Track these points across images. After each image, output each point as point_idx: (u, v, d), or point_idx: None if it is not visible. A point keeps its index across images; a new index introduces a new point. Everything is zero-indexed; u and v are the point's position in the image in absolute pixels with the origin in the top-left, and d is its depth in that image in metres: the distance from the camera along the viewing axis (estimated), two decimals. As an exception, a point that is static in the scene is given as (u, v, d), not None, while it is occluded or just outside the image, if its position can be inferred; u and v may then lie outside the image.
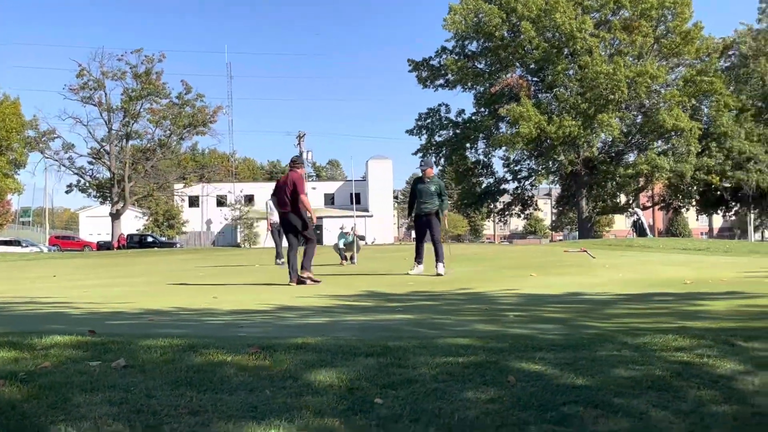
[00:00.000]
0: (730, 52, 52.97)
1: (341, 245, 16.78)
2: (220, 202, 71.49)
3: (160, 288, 11.24)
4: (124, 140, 56.73)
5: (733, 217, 75.03)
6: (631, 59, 46.62)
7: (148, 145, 58.10)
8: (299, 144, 58.13)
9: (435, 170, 12.73)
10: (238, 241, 67.92)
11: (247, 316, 6.60)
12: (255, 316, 6.62)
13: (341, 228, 17.14)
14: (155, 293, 10.09)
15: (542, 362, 3.99)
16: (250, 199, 71.22)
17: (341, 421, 3.11)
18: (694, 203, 55.63)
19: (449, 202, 13.29)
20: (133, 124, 55.99)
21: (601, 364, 3.98)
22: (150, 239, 60.44)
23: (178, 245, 59.89)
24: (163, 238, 64.33)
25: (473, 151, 53.54)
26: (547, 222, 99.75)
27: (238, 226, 68.57)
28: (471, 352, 4.14)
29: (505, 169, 53.78)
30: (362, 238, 18.11)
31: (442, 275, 11.72)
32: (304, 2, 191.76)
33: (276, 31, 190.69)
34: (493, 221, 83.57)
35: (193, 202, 71.37)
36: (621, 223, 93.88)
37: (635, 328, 5.04)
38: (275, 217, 18.66)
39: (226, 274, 12.92)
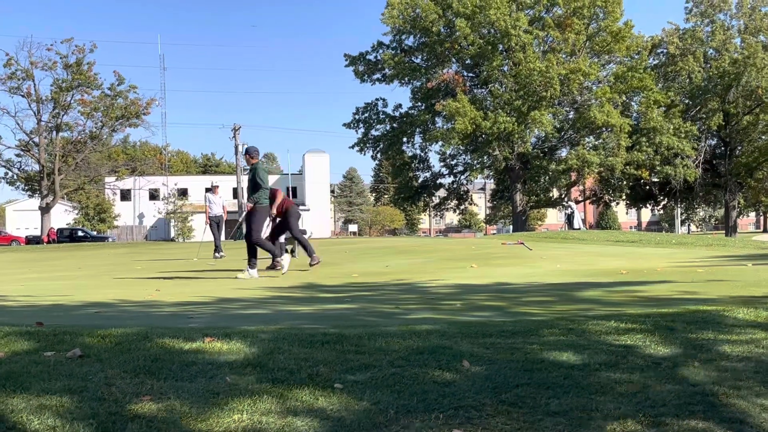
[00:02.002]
0: (658, 50, 54.50)
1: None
2: (153, 195, 70.21)
3: (99, 281, 11.04)
4: (54, 132, 55.14)
5: (661, 211, 77.33)
6: (563, 56, 47.54)
7: (79, 137, 56.58)
8: (234, 137, 57.47)
9: (261, 157, 11.86)
10: (172, 235, 66.87)
11: (194, 308, 6.56)
12: (201, 308, 6.59)
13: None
14: (95, 286, 9.91)
15: (494, 347, 4.11)
16: (183, 193, 70.15)
17: (304, 405, 3.16)
18: (624, 197, 57.08)
19: (262, 194, 11.67)
20: (63, 115, 54.46)
21: (550, 348, 4.13)
22: (81, 233, 58.99)
23: (110, 239, 58.60)
24: (94, 233, 62.87)
25: (410, 145, 53.87)
26: (482, 216, 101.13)
27: (172, 220, 67.51)
28: (424, 338, 4.23)
29: (442, 164, 54.29)
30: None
31: (241, 278, 10.71)
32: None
33: (211, 23, 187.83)
34: (429, 215, 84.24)
35: (125, 195, 69.92)
36: (553, 216, 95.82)
37: (579, 315, 5.21)
38: (214, 211, 18.52)
39: (163, 267, 12.76)
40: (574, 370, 3.77)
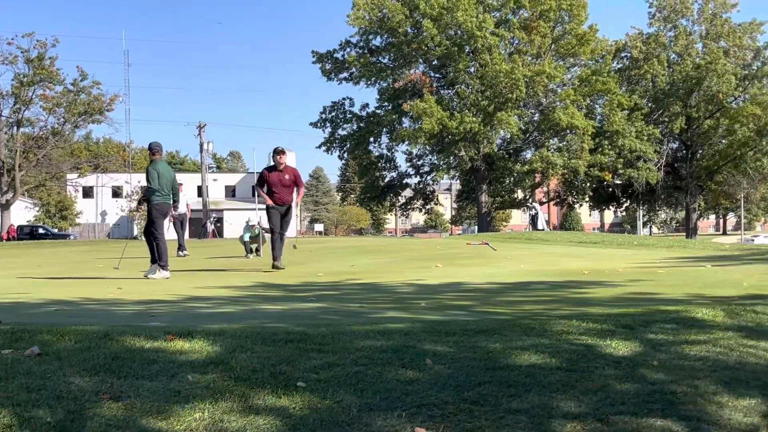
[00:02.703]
0: (622, 54, 55.20)
1: (246, 238, 16.62)
2: (116, 193, 69.32)
3: (60, 279, 10.87)
4: (15, 127, 54.12)
5: (624, 213, 78.32)
6: (529, 58, 47.94)
7: (41, 132, 55.60)
8: (199, 134, 56.97)
9: (164, 154, 11.46)
10: (135, 233, 66.09)
11: (157, 306, 6.50)
12: (165, 306, 6.53)
13: (248, 221, 16.97)
14: (56, 284, 9.77)
15: (457, 346, 4.14)
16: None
17: (265, 403, 3.15)
18: (587, 199, 57.75)
19: (149, 192, 11.01)
20: (24, 110, 53.43)
21: (513, 347, 4.16)
22: (42, 231, 58.02)
23: (72, 237, 57.73)
24: (55, 230, 61.88)
25: (377, 145, 53.91)
26: (447, 216, 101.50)
27: (135, 218, 66.72)
28: (388, 337, 4.24)
29: (408, 164, 54.40)
30: (268, 231, 17.96)
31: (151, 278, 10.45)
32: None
33: (177, 19, 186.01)
34: (396, 215, 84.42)
35: (88, 192, 68.93)
36: (518, 217, 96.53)
37: (541, 314, 5.26)
38: (177, 209, 18.34)
39: (126, 266, 12.60)
40: (535, 369, 3.81)
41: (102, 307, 6.62)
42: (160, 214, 11.03)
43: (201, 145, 56.45)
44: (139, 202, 11.55)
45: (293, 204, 12.11)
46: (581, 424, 3.19)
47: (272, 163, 12.03)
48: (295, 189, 12.10)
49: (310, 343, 4.02)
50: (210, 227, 41.26)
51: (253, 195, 64.34)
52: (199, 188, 59.06)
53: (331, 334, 4.21)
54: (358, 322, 4.83)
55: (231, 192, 75.19)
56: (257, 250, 16.51)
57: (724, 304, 5.69)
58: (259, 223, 16.94)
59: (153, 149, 11.27)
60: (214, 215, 55.18)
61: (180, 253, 17.40)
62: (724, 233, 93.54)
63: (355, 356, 3.82)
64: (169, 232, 19.17)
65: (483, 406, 3.29)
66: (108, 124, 57.22)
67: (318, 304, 6.69)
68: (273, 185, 11.75)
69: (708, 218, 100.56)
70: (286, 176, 11.81)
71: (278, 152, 11.82)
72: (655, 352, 4.26)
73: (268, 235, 17.93)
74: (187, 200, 18.78)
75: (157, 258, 10.74)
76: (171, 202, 11.18)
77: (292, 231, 69.44)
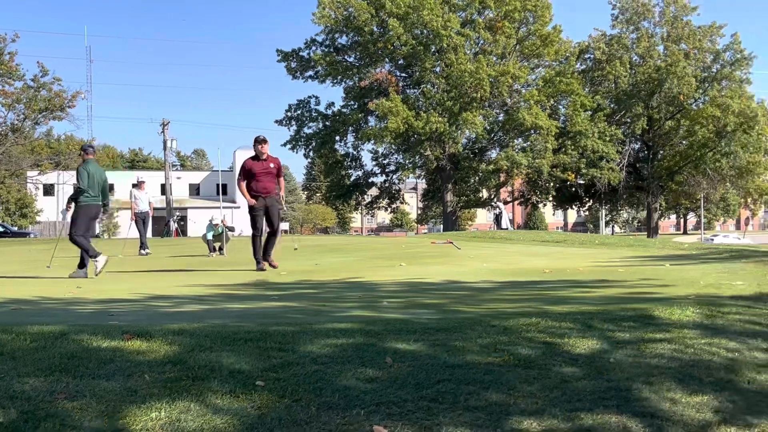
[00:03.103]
0: (585, 56, 55.82)
1: (210, 236, 16.51)
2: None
3: (18, 278, 10.70)
4: (-28, 124, 53.16)
5: (587, 213, 79.22)
6: (494, 59, 48.23)
7: (0, 129, 54.69)
8: (163, 132, 56.41)
9: (92, 155, 11.29)
10: (97, 231, 65.18)
11: (117, 305, 6.43)
12: (126, 305, 6.46)
13: (211, 219, 16.84)
14: (13, 283, 9.61)
15: (417, 344, 4.16)
16: (110, 188, 68.48)
17: (224, 402, 3.14)
18: (550, 198, 58.30)
19: (78, 193, 11.00)
20: (-18, 107, 52.52)
21: (472, 345, 4.19)
22: (1, 229, 57.02)
23: (32, 235, 56.76)
24: (15, 228, 60.81)
25: (342, 143, 53.84)
26: (413, 215, 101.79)
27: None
28: (349, 335, 4.25)
29: (374, 163, 54.42)
30: (231, 229, 17.84)
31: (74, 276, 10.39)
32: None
33: (140, 15, 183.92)
34: (361, 214, 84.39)
35: (48, 190, 67.78)
36: (482, 217, 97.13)
37: (502, 313, 5.30)
38: (140, 207, 18.17)
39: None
40: (494, 367, 3.84)
41: (60, 306, 6.53)
42: (85, 215, 10.92)
43: (165, 143, 55.92)
44: (68, 202, 11.39)
45: (279, 197, 11.62)
46: (538, 420, 3.23)
47: (253, 154, 11.47)
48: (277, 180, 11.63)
49: (270, 341, 4.02)
50: (173, 226, 40.91)
51: (218, 193, 63.92)
52: (163, 186, 58.47)
53: (292, 333, 4.20)
54: (320, 321, 4.83)
55: (195, 190, 74.57)
56: (221, 248, 16.40)
57: (681, 302, 5.78)
58: (222, 222, 16.83)
59: (86, 149, 11.34)
60: (177, 214, 54.69)
61: (142, 251, 17.23)
62: (685, 233, 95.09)
63: (314, 355, 3.83)
64: (131, 230, 19.00)
65: (442, 403, 3.32)
66: (70, 120, 56.37)
67: (281, 302, 6.67)
68: (257, 175, 11.31)
69: (669, 218, 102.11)
70: (270, 164, 11.43)
71: (260, 141, 11.35)
72: (612, 349, 4.32)
73: (231, 233, 17.84)
74: (150, 198, 18.58)
75: (85, 252, 10.70)
76: (100, 203, 11.12)
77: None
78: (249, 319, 4.94)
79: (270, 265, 11.14)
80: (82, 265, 10.79)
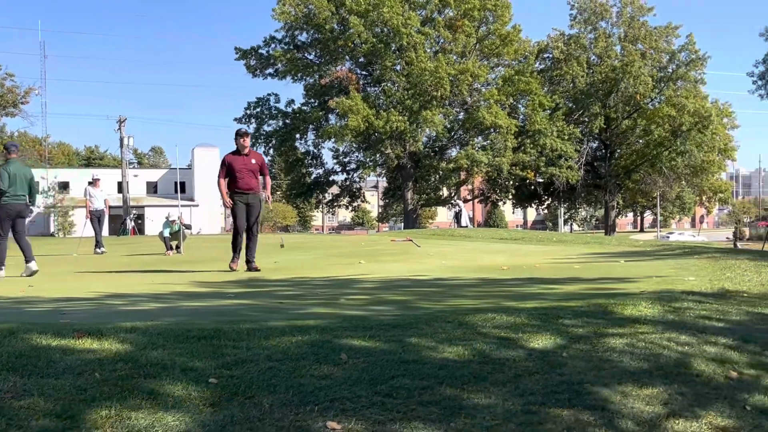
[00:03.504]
0: (544, 55, 56.42)
1: (166, 234, 16.33)
2: (32, 189, 66.94)
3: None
4: None
5: (546, 211, 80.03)
6: (454, 57, 48.46)
7: (-50, 125, 53.45)
8: (119, 129, 55.58)
9: (15, 154, 11.15)
10: (52, 230, 64.06)
11: (70, 304, 6.32)
12: (79, 304, 6.36)
13: (167, 216, 16.67)
14: (-38, 283, 9.39)
15: (373, 340, 4.16)
16: (65, 186, 67.27)
17: (175, 400, 3.10)
18: (510, 197, 58.78)
19: None
20: (-68, 102, 51.23)
21: (427, 341, 4.21)
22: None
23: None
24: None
25: (303, 141, 53.61)
26: (374, 214, 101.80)
27: (52, 215, 64.67)
28: (305, 332, 4.23)
29: (335, 161, 54.32)
30: (188, 227, 17.67)
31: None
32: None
33: (96, 11, 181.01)
34: (322, 212, 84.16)
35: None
36: (443, 215, 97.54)
37: (459, 309, 5.34)
38: (95, 205, 17.89)
39: (41, 263, 12.20)
40: (449, 362, 3.86)
41: (11, 305, 6.40)
42: (6, 215, 10.79)
43: (121, 140, 55.14)
44: None
45: (263, 196, 11.04)
46: (490, 414, 3.25)
47: (235, 148, 10.75)
48: (261, 178, 11.00)
49: (224, 339, 3.98)
50: (130, 224, 40.37)
51: (176, 191, 63.25)
52: (120, 184, 57.67)
53: (247, 331, 4.17)
54: (276, 318, 4.81)
55: (152, 188, 73.61)
56: (177, 247, 16.23)
57: (634, 298, 5.88)
58: (179, 219, 16.66)
59: (9, 148, 11.23)
60: (134, 212, 53.97)
61: (98, 250, 16.98)
62: (642, 230, 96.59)
63: (269, 352, 3.81)
64: (86, 228, 18.70)
65: (395, 399, 3.33)
66: (23, 117, 55.20)
67: (238, 300, 6.63)
68: (238, 171, 10.60)
69: (626, 216, 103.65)
70: (252, 160, 10.74)
71: (242, 134, 10.69)
72: (566, 344, 4.37)
73: (188, 231, 17.66)
74: (105, 196, 18.31)
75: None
76: (24, 201, 10.96)
77: (215, 227, 67.91)
78: (204, 317, 4.89)
79: (252, 268, 10.51)
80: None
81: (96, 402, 2.99)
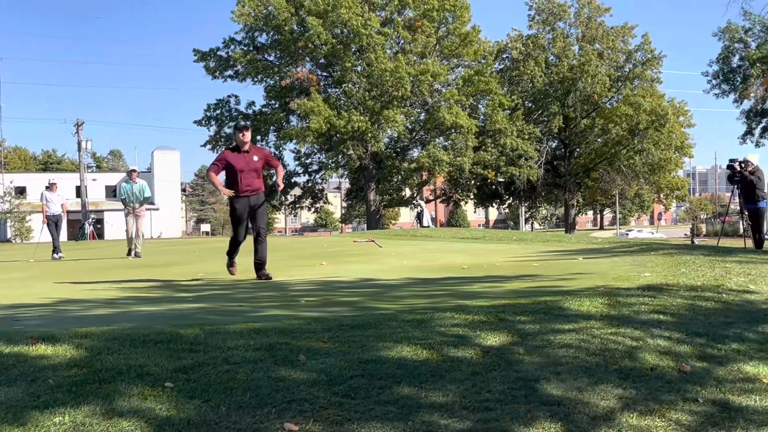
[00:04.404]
0: (503, 55, 56.87)
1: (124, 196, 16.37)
2: (-13, 194, 65.73)
3: None
4: None
5: (507, 210, 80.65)
6: (414, 58, 48.60)
7: None
8: (77, 132, 54.76)
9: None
10: (9, 236, 62.87)
11: (24, 310, 6.22)
12: (33, 310, 6.26)
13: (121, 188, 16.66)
14: None
15: (331, 341, 4.17)
16: (21, 191, 66.06)
17: (131, 405, 3.08)
18: (472, 196, 59.12)
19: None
20: None
21: (386, 340, 4.23)
22: None
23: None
24: None
25: (264, 143, 53.21)
26: (337, 215, 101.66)
27: (8, 220, 63.45)
28: (263, 335, 4.23)
29: (296, 162, 54.07)
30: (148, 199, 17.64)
31: None
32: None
33: (52, 13, 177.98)
34: (285, 214, 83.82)
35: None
36: (406, 215, 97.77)
37: (418, 308, 5.37)
38: (52, 210, 17.60)
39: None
40: (407, 361, 3.89)
41: (-37, 312, 6.27)
42: None
43: (79, 144, 54.34)
44: None
45: (272, 187, 9.87)
46: (448, 412, 3.28)
47: (233, 144, 9.62)
48: (271, 170, 10.01)
49: (180, 343, 3.96)
50: (89, 228, 39.80)
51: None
52: (78, 188, 56.79)
53: (204, 334, 4.15)
54: (234, 321, 4.79)
55: (112, 192, 72.61)
56: (135, 252, 16.04)
57: (590, 294, 5.96)
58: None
59: None
60: (93, 216, 53.18)
61: (55, 255, 16.72)
62: (602, 228, 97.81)
63: (226, 355, 3.79)
64: (43, 234, 18.39)
65: (353, 399, 3.34)
66: (-23, 121, 54.08)
67: (196, 304, 6.58)
68: (240, 172, 9.23)
69: (586, 214, 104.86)
70: (255, 158, 9.39)
71: (240, 128, 9.51)
72: (522, 341, 4.42)
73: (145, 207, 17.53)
74: (63, 200, 18.03)
75: None
76: None
77: (176, 231, 67.08)
78: (161, 321, 4.86)
79: (264, 276, 9.31)
80: None
81: (49, 408, 2.96)
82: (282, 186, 10.29)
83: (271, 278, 9.20)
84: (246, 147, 9.42)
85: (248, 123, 9.98)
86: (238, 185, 9.28)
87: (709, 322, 5.24)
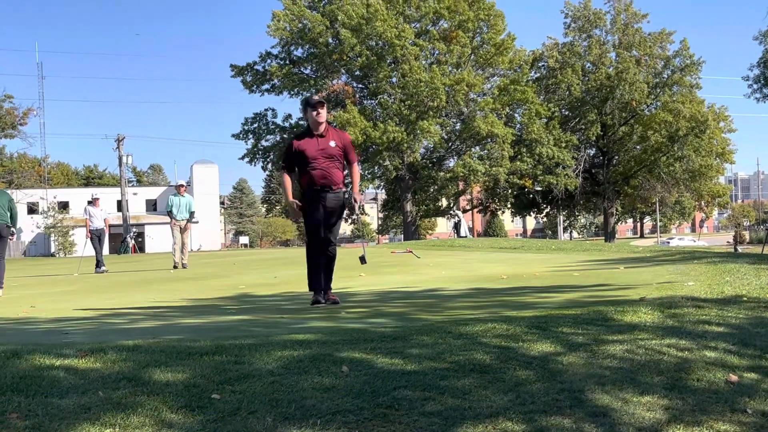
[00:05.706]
0: (539, 64, 56.61)
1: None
2: (32, 209, 67.00)
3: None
4: None
5: (545, 219, 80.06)
6: (449, 68, 48.62)
7: (-50, 148, 53.52)
8: (118, 147, 55.71)
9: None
10: (53, 250, 64.06)
11: (72, 323, 6.34)
12: (79, 323, 6.38)
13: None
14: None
15: (374, 352, 4.18)
16: (64, 206, 67.33)
17: (179, 417, 3.13)
18: (509, 206, 58.86)
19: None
20: (-69, 125, 51.31)
21: (428, 351, 4.23)
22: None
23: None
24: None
25: (301, 156, 53.56)
26: (374, 226, 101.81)
27: (52, 235, 64.67)
28: (306, 346, 4.25)
29: (333, 174, 54.23)
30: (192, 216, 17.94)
31: None
32: (124, 1, 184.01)
33: (93, 30, 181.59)
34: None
35: (1, 209, 66.37)
36: (443, 225, 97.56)
37: (459, 319, 5.36)
38: (95, 224, 17.92)
39: (42, 284, 12.24)
40: (450, 372, 3.88)
41: (12, 325, 6.42)
42: None
43: (120, 159, 55.25)
44: None
45: (346, 196, 7.69)
46: (492, 423, 3.27)
47: (304, 128, 7.75)
48: (347, 166, 7.76)
49: (226, 355, 4.00)
50: (130, 242, 40.40)
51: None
52: (119, 203, 57.71)
53: (248, 346, 4.19)
54: (277, 333, 4.83)
55: (152, 206, 73.65)
56: (182, 264, 16.25)
57: (634, 304, 5.90)
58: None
59: None
60: (134, 230, 53.97)
61: (98, 269, 17.01)
62: (642, 236, 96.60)
63: (271, 367, 3.82)
64: (86, 248, 18.74)
65: (398, 410, 3.34)
66: (22, 138, 55.18)
67: (239, 316, 6.64)
68: (311, 159, 7.26)
69: (626, 222, 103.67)
70: (332, 142, 7.34)
71: (315, 104, 7.28)
72: (566, 352, 4.39)
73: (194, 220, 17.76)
74: (105, 215, 18.35)
75: None
76: (4, 223, 11.29)
77: (215, 243, 67.86)
78: (205, 334, 4.91)
79: (330, 301, 7.33)
80: None
81: (100, 421, 3.01)
82: (361, 200, 8.22)
83: (338, 303, 7.31)
84: (321, 129, 7.33)
85: (323, 97, 6.90)
86: (309, 175, 7.32)
87: (756, 331, 5.15)
